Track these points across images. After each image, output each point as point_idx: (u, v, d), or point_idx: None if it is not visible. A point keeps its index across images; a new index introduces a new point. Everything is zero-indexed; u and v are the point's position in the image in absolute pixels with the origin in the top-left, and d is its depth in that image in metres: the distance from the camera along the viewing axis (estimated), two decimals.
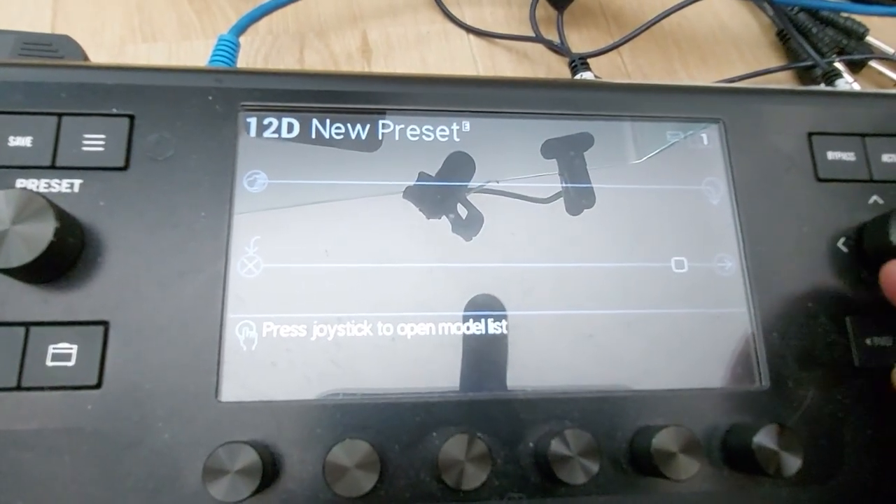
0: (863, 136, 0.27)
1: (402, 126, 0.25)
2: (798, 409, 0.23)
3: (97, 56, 0.34)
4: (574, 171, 0.26)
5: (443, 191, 0.25)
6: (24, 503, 0.20)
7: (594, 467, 0.20)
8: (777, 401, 0.23)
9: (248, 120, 0.25)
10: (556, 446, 0.21)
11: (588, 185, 0.26)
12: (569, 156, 0.26)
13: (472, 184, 0.25)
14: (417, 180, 0.25)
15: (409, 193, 0.25)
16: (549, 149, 0.26)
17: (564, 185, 0.25)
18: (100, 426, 0.21)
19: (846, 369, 0.24)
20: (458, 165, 0.25)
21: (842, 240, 0.25)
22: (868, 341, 0.24)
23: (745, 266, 0.25)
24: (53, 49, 0.30)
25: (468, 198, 0.25)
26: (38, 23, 0.37)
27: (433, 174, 0.25)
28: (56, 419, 0.21)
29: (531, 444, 0.22)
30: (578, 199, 0.25)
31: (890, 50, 0.40)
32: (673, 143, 0.26)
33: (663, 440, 0.21)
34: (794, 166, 0.26)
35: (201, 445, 0.21)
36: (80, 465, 0.21)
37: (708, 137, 0.26)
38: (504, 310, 0.24)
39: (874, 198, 0.26)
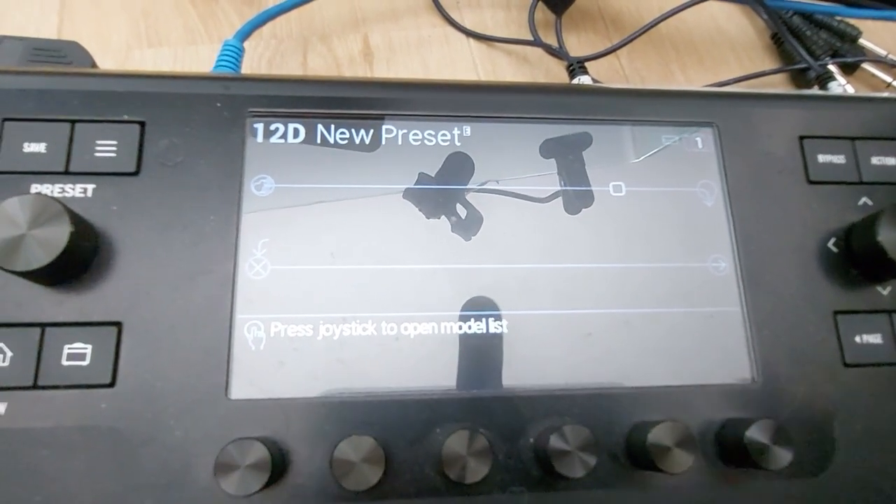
0: (853, 139, 0.27)
1: (405, 131, 0.26)
2: (790, 404, 0.24)
3: (103, 62, 0.34)
4: (573, 170, 0.26)
5: (442, 192, 0.26)
6: (41, 499, 0.21)
7: (592, 461, 0.21)
8: (769, 397, 0.24)
9: (256, 125, 0.25)
10: (555, 441, 0.21)
11: (587, 186, 0.26)
12: (568, 155, 0.26)
13: (472, 184, 0.26)
14: (417, 181, 0.26)
15: (410, 194, 0.25)
16: (548, 148, 0.27)
17: (563, 184, 0.26)
18: (114, 424, 0.22)
19: (836, 366, 0.25)
20: (458, 166, 0.26)
21: (832, 240, 0.26)
22: (858, 339, 0.25)
23: (738, 266, 0.26)
24: (62, 55, 0.31)
25: (468, 198, 0.26)
26: (45, 29, 0.37)
27: (433, 175, 0.26)
28: (71, 417, 0.22)
29: (531, 440, 0.23)
30: (577, 198, 0.26)
31: (883, 52, 0.41)
32: (668, 146, 0.27)
33: (659, 435, 0.21)
34: (785, 169, 0.27)
35: (212, 442, 0.21)
36: (94, 461, 0.21)
37: (702, 141, 0.27)
38: (504, 309, 0.24)
39: (863, 199, 0.27)
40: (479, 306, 0.24)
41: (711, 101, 0.28)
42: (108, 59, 0.36)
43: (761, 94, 0.29)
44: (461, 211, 0.25)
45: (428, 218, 0.25)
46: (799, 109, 0.28)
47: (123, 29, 0.38)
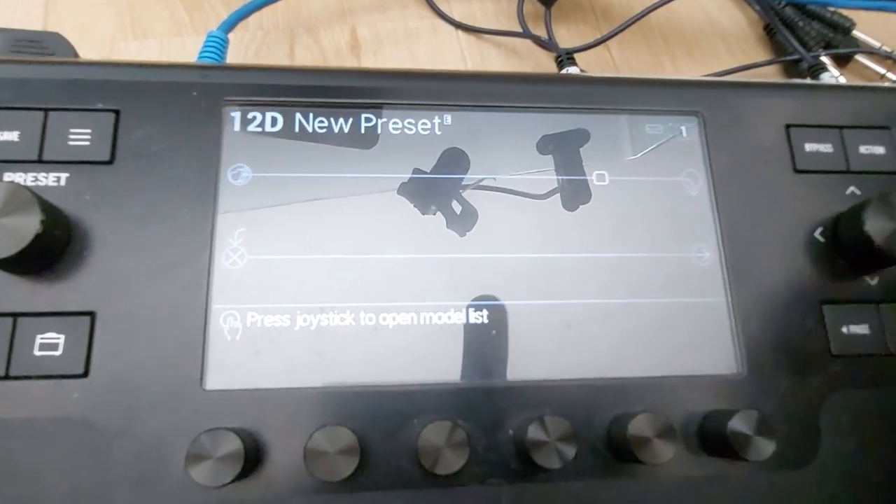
0: (840, 128, 0.27)
1: (385, 120, 0.26)
2: (775, 395, 0.24)
3: (88, 54, 0.34)
4: (570, 167, 0.26)
5: (437, 186, 0.25)
6: (15, 491, 0.21)
7: (571, 452, 0.21)
8: (754, 388, 0.24)
9: (232, 114, 0.25)
10: (533, 432, 0.21)
11: (584, 180, 0.26)
12: (565, 152, 0.26)
13: (467, 180, 0.26)
14: (412, 175, 0.25)
15: (403, 189, 0.25)
16: (545, 145, 0.26)
17: (560, 178, 0.26)
18: (87, 415, 0.21)
19: (823, 356, 0.24)
20: (453, 161, 0.26)
21: (819, 230, 0.26)
22: (844, 329, 0.25)
23: (723, 256, 0.25)
24: (44, 46, 0.31)
25: (462, 194, 0.25)
26: (31, 21, 0.37)
27: (428, 170, 0.25)
28: (43, 408, 0.21)
29: (511, 432, 0.22)
30: (574, 195, 0.26)
31: (876, 44, 0.41)
32: (652, 135, 0.27)
33: (638, 426, 0.21)
34: (772, 158, 0.26)
35: (187, 433, 0.21)
36: (67, 453, 0.21)
37: (687, 130, 0.27)
38: (485, 300, 0.24)
39: (851, 188, 0.26)
40: (460, 297, 0.24)
41: (696, 89, 0.27)
42: (92, 52, 0.36)
43: (747, 82, 0.29)
44: (456, 206, 0.25)
45: (423, 213, 0.25)
46: (785, 98, 0.27)
47: (108, 21, 0.37)
